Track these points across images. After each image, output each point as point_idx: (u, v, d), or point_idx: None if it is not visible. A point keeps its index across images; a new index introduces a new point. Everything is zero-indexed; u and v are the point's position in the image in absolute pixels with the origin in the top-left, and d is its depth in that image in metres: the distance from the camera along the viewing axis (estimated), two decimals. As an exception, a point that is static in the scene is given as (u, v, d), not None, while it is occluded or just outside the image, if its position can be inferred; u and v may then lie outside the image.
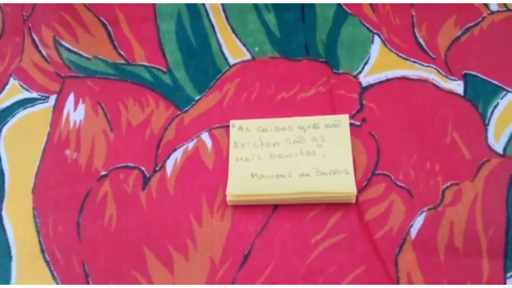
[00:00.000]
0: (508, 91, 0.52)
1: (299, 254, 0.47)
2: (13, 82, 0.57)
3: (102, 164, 0.52)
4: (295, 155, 0.50)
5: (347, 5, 0.58)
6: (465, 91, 0.53)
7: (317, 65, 0.56)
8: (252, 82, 0.55)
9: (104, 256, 0.48)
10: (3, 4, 0.61)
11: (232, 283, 0.46)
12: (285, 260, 0.47)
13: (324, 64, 0.56)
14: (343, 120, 0.51)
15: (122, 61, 0.58)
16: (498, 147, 0.50)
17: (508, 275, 0.45)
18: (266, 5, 0.59)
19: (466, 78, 0.54)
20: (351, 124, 0.52)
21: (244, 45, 0.58)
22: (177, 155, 0.52)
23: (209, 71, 0.57)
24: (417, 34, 0.57)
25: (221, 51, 0.58)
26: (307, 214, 0.48)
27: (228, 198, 0.49)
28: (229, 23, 0.59)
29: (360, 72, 0.55)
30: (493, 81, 0.53)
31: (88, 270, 0.47)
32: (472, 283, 0.45)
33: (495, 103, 0.52)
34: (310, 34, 0.58)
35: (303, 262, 0.46)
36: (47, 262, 0.48)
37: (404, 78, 0.54)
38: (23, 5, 0.61)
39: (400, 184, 0.49)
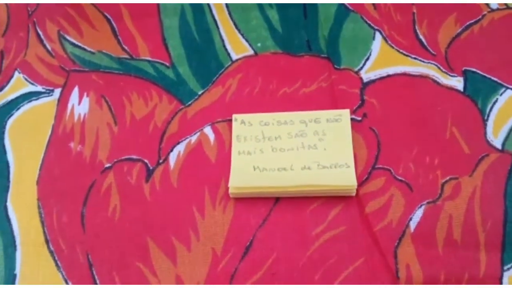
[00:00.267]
0: (507, 88, 0.53)
1: (300, 246, 0.47)
2: (18, 76, 0.58)
3: (106, 156, 0.53)
4: (297, 149, 0.51)
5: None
6: (464, 87, 0.54)
7: (319, 61, 0.57)
8: (255, 77, 0.56)
9: (108, 246, 0.49)
10: (9, -2, 0.62)
11: (234, 274, 0.47)
12: (286, 251, 0.47)
13: (326, 60, 0.56)
14: (344, 114, 0.52)
15: (126, 56, 0.58)
16: (497, 143, 0.50)
17: (505, 267, 0.46)
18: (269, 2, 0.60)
19: (466, 74, 0.54)
20: (352, 119, 0.52)
21: (246, 40, 0.59)
22: (180, 148, 0.53)
23: (212, 66, 0.57)
24: (418, 31, 0.57)
25: (224, 46, 0.58)
26: (308, 206, 0.49)
27: (230, 191, 0.49)
28: (232, 19, 0.60)
29: (362, 68, 0.56)
30: (493, 78, 0.54)
31: (92, 260, 0.48)
32: (469, 275, 0.45)
33: (494, 99, 0.53)
34: (312, 31, 0.58)
35: (303, 254, 0.47)
36: (51, 252, 0.49)
37: (404, 74, 0.55)
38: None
39: (400, 178, 0.49)
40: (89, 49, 0.59)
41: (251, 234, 0.48)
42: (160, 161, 0.52)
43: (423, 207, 0.48)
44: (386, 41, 0.57)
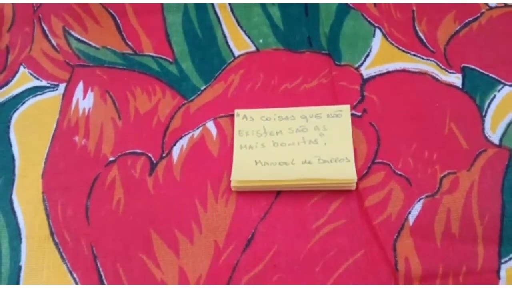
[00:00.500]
0: (505, 84, 0.54)
1: (301, 239, 0.48)
2: (23, 71, 0.59)
3: (110, 150, 0.53)
4: (298, 144, 0.52)
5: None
6: (463, 84, 0.54)
7: (320, 57, 0.57)
8: (256, 73, 0.57)
9: (112, 238, 0.49)
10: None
11: (236, 266, 0.47)
12: (287, 244, 0.48)
13: (327, 56, 0.57)
14: (345, 110, 0.53)
15: (130, 51, 0.59)
16: (495, 138, 0.51)
17: (502, 260, 0.46)
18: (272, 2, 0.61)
19: (464, 71, 0.55)
20: (352, 115, 0.53)
21: (248, 37, 0.59)
22: (183, 142, 0.53)
23: (214, 62, 0.58)
24: (417, 28, 0.58)
25: (226, 42, 0.59)
26: (308, 200, 0.50)
27: (232, 184, 0.50)
28: (234, 16, 0.61)
29: (362, 64, 0.56)
30: (491, 75, 0.55)
31: (96, 252, 0.49)
32: (467, 268, 0.46)
33: (492, 95, 0.53)
34: (313, 27, 0.59)
35: (304, 246, 0.48)
36: (56, 244, 0.50)
37: (404, 71, 0.56)
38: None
39: (399, 172, 0.50)
40: (93, 44, 0.60)
41: (253, 227, 0.49)
42: (164, 155, 0.53)
43: (421, 201, 0.49)
44: (386, 38, 0.58)
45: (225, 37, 0.59)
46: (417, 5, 0.59)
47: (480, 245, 0.47)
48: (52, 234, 0.50)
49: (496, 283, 0.46)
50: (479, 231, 0.47)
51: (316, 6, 0.60)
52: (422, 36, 0.58)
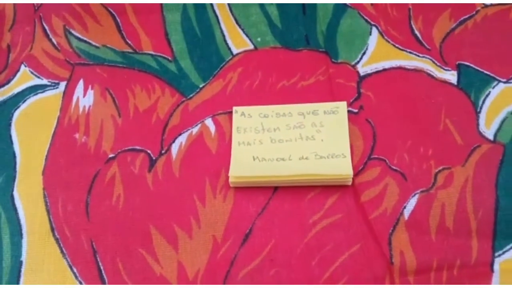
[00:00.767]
0: (499, 81, 0.55)
1: (298, 233, 0.49)
2: (24, 69, 0.60)
3: (110, 147, 0.54)
4: (295, 140, 0.52)
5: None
6: (458, 80, 0.55)
7: (317, 55, 0.58)
8: (255, 71, 0.57)
9: (111, 233, 0.50)
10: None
11: (234, 260, 0.48)
12: (284, 238, 0.49)
13: (324, 54, 0.58)
14: (341, 106, 0.54)
15: (130, 50, 0.60)
16: (489, 134, 0.52)
17: (496, 254, 0.47)
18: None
19: (459, 68, 0.56)
20: (349, 112, 0.54)
21: (247, 35, 0.60)
22: (182, 139, 0.54)
23: (213, 60, 0.59)
24: (413, 26, 0.59)
25: (225, 41, 0.60)
26: (305, 195, 0.50)
27: (230, 180, 0.51)
28: (232, 14, 0.61)
29: (358, 62, 0.57)
30: (485, 72, 0.55)
31: (96, 247, 0.50)
32: (461, 262, 0.47)
33: (487, 92, 0.54)
34: (311, 26, 0.60)
35: (301, 241, 0.48)
36: (56, 240, 0.50)
37: (400, 68, 0.56)
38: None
39: (394, 167, 0.51)
40: (94, 43, 0.60)
41: (251, 222, 0.50)
42: (163, 151, 0.53)
43: (417, 195, 0.49)
44: (383, 36, 0.58)
45: (223, 35, 0.60)
46: (413, 3, 0.60)
47: (474, 239, 0.48)
48: (52, 229, 0.51)
49: (490, 276, 0.46)
50: (473, 225, 0.48)
51: (314, 4, 0.61)
52: (418, 34, 0.58)
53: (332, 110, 0.53)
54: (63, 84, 0.58)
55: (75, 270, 0.49)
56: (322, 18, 0.60)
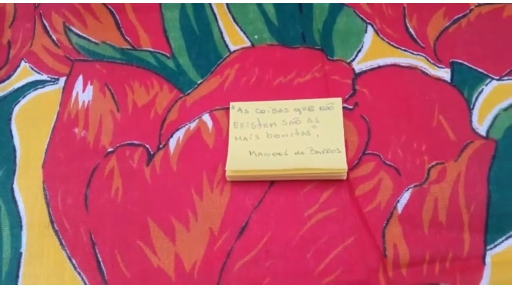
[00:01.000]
0: (492, 79, 0.55)
1: (293, 226, 0.50)
2: (24, 65, 0.60)
3: (109, 141, 0.55)
4: (291, 135, 0.53)
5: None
6: (452, 78, 0.56)
7: (313, 52, 0.59)
8: (251, 68, 0.58)
9: (110, 226, 0.51)
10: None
11: (230, 252, 0.49)
12: (280, 231, 0.50)
13: (320, 52, 0.59)
14: (337, 103, 0.54)
15: (129, 47, 0.61)
16: (482, 130, 0.53)
17: (488, 247, 0.48)
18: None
19: (453, 66, 0.57)
20: (344, 108, 0.55)
21: (244, 33, 0.61)
22: (180, 134, 0.55)
23: (210, 56, 0.60)
24: (408, 24, 0.60)
25: (222, 38, 0.61)
26: (301, 189, 0.51)
27: (227, 174, 0.51)
28: (230, 12, 0.62)
29: (354, 59, 0.58)
30: (479, 69, 0.56)
31: (95, 239, 0.50)
32: (454, 255, 0.48)
33: (480, 89, 0.55)
34: (307, 24, 0.61)
35: (296, 233, 0.49)
36: (55, 232, 0.51)
37: (395, 66, 0.57)
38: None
39: (388, 163, 0.52)
40: (93, 40, 0.61)
41: (247, 215, 0.50)
42: (161, 146, 0.54)
43: (410, 190, 0.50)
44: (378, 34, 0.59)
45: (221, 33, 0.61)
46: (408, 3, 0.61)
47: (466, 232, 0.48)
48: (52, 222, 0.51)
49: (482, 269, 0.47)
50: (466, 219, 0.49)
51: (310, 3, 0.61)
52: (413, 32, 0.59)
53: (327, 106, 0.54)
54: (62, 80, 0.59)
55: (74, 261, 0.50)
56: (318, 16, 0.61)
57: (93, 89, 0.58)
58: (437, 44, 0.58)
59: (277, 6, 0.62)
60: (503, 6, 0.59)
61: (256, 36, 0.60)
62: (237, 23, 0.61)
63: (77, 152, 0.55)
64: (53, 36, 0.62)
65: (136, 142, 0.55)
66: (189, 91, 0.57)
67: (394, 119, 0.54)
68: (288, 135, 0.53)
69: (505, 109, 0.54)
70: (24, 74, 0.60)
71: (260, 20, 0.61)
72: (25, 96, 0.58)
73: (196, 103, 0.57)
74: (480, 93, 0.55)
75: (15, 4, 0.64)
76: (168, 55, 0.60)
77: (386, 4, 0.61)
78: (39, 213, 0.52)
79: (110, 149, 0.54)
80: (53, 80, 0.59)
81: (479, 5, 0.60)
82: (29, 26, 0.63)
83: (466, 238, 0.48)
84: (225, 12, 0.62)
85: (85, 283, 0.49)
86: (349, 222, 0.50)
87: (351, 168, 0.51)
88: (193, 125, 0.55)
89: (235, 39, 0.61)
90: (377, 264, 0.48)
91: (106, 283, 0.48)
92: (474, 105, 0.54)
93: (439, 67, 0.57)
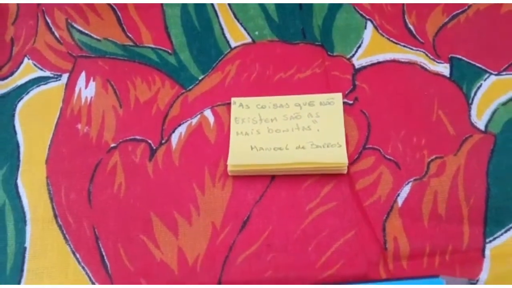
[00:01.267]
0: (491, 74, 0.56)
1: (295, 220, 0.50)
2: (27, 62, 0.61)
3: (112, 137, 0.55)
4: (292, 130, 0.54)
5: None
6: (451, 73, 0.57)
7: (313, 48, 0.59)
8: (252, 64, 0.59)
9: (113, 220, 0.51)
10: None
11: (232, 246, 0.49)
12: (281, 225, 0.50)
13: (320, 48, 0.59)
14: (337, 98, 0.55)
15: (130, 43, 0.61)
16: (480, 124, 0.53)
17: (487, 240, 0.48)
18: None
19: (452, 61, 0.57)
20: (344, 103, 0.55)
21: (245, 29, 0.62)
22: (182, 129, 0.55)
23: (212, 53, 0.60)
24: (407, 20, 0.60)
25: (223, 34, 0.61)
26: (302, 184, 0.52)
27: (229, 169, 0.52)
28: (231, 9, 0.63)
29: (354, 55, 0.59)
30: (477, 64, 0.57)
31: (98, 233, 0.51)
32: (453, 247, 0.48)
33: (478, 84, 0.56)
34: (307, 20, 0.61)
35: (298, 227, 0.50)
36: (59, 226, 0.52)
37: (394, 61, 0.58)
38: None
39: (388, 157, 0.52)
40: (95, 36, 0.62)
41: (249, 209, 0.51)
42: (163, 141, 0.55)
43: (410, 183, 0.51)
44: (377, 30, 0.60)
45: (222, 29, 0.62)
46: (407, -1, 0.62)
47: (465, 225, 0.49)
48: (55, 216, 0.52)
49: (481, 261, 0.48)
50: (465, 212, 0.49)
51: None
52: (412, 28, 0.60)
53: (328, 101, 0.55)
54: (65, 76, 0.59)
55: (78, 255, 0.50)
56: (318, 12, 0.61)
57: (95, 85, 0.58)
58: (436, 40, 0.59)
59: (277, 3, 0.62)
60: (501, 2, 0.60)
61: (256, 32, 0.61)
62: (237, 20, 0.62)
63: (80, 147, 0.55)
64: (56, 33, 0.62)
65: (138, 137, 0.55)
66: (190, 87, 0.58)
67: (393, 114, 0.55)
68: (289, 130, 0.54)
69: (504, 104, 0.54)
70: (27, 70, 0.60)
71: (260, 17, 0.62)
72: (28, 92, 0.59)
73: (198, 99, 0.57)
74: (478, 88, 0.55)
75: (17, 2, 0.64)
76: (169, 51, 0.60)
77: (386, 1, 0.61)
78: (43, 208, 0.53)
79: (112, 145, 0.55)
80: (56, 76, 0.59)
81: (477, 1, 0.60)
82: (32, 23, 0.63)
83: (465, 231, 0.49)
84: (226, 9, 0.63)
85: (89, 277, 0.49)
86: (350, 215, 0.50)
87: (351, 163, 0.52)
88: (194, 120, 0.56)
89: (236, 35, 0.61)
90: (378, 257, 0.48)
91: (109, 276, 0.49)
92: (473, 100, 0.55)
93: (438, 63, 0.57)
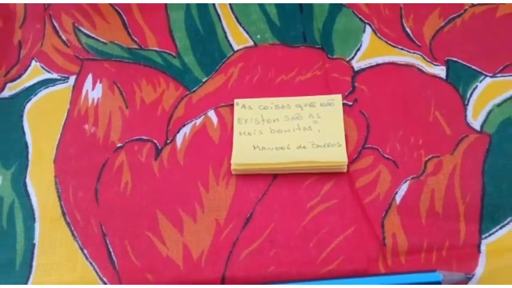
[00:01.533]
0: (486, 75, 0.57)
1: (296, 217, 0.51)
2: (35, 64, 0.62)
3: (118, 137, 0.57)
4: (293, 130, 0.55)
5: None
6: (447, 75, 0.58)
7: (314, 51, 0.61)
8: (254, 66, 0.60)
9: (120, 218, 0.53)
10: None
11: (236, 242, 0.51)
12: (283, 222, 0.51)
13: (320, 50, 0.61)
14: (337, 99, 0.56)
15: (136, 46, 0.63)
16: (476, 125, 0.55)
17: (483, 236, 0.50)
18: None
19: (448, 63, 0.59)
20: (344, 104, 0.57)
21: (247, 33, 0.63)
22: (186, 130, 0.57)
23: (215, 56, 0.62)
24: (404, 24, 0.62)
25: (226, 38, 0.63)
26: (303, 182, 0.53)
27: (232, 167, 0.53)
28: (233, 13, 0.64)
29: (353, 57, 0.60)
30: (473, 67, 0.58)
31: (105, 230, 0.52)
32: (450, 243, 0.49)
33: (474, 86, 0.57)
34: (308, 23, 0.63)
35: (299, 224, 0.51)
36: (67, 224, 0.53)
37: (392, 64, 0.59)
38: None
39: (387, 156, 0.54)
40: (102, 40, 0.63)
41: (251, 207, 0.52)
42: (168, 141, 0.56)
43: (408, 182, 0.52)
44: (376, 33, 0.62)
45: (225, 33, 0.63)
46: (405, 3, 0.63)
47: (462, 222, 0.50)
48: (64, 214, 0.53)
49: (477, 257, 0.49)
50: (461, 210, 0.51)
51: (310, 3, 0.63)
52: (409, 32, 0.61)
53: (328, 103, 0.56)
54: (72, 78, 0.61)
55: (85, 252, 0.51)
56: (318, 16, 0.63)
57: (102, 87, 0.60)
58: (432, 43, 0.60)
59: (278, 7, 0.64)
60: (496, 6, 0.61)
61: (258, 36, 0.63)
62: (240, 24, 0.64)
63: (87, 147, 0.56)
64: (63, 36, 0.64)
65: (144, 137, 0.57)
66: (194, 89, 0.59)
67: (392, 114, 0.56)
68: (290, 130, 0.55)
69: (499, 105, 0.55)
70: (35, 73, 0.62)
71: (262, 21, 0.63)
72: (36, 94, 0.60)
73: (202, 100, 0.59)
74: (474, 89, 0.57)
75: (25, 6, 0.66)
76: (174, 54, 0.62)
77: (384, 5, 0.63)
78: (51, 206, 0.54)
79: (119, 145, 0.56)
80: (63, 78, 0.61)
81: (473, 5, 0.62)
82: (39, 27, 0.65)
83: (462, 228, 0.50)
84: (229, 13, 0.64)
85: (96, 272, 0.51)
86: (350, 213, 0.51)
87: (351, 162, 0.53)
88: (199, 121, 0.57)
89: (238, 39, 0.63)
90: (377, 253, 0.50)
91: (116, 272, 0.50)
92: (468, 101, 0.56)
93: (435, 65, 0.59)
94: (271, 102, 0.57)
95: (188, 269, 0.50)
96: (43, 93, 0.60)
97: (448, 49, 0.60)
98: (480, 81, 0.57)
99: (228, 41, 0.63)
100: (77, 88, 0.60)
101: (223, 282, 0.50)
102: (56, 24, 0.65)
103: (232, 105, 0.58)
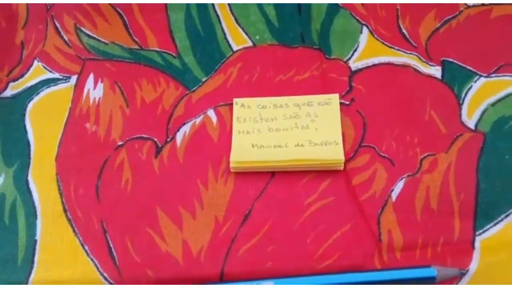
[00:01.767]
0: (481, 76, 0.58)
1: (293, 214, 0.52)
2: (37, 64, 0.63)
3: (119, 135, 0.58)
4: (291, 129, 0.56)
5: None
6: (442, 75, 0.59)
7: (312, 52, 0.62)
8: (253, 66, 0.61)
9: (120, 214, 0.53)
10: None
11: (234, 238, 0.52)
12: (281, 219, 0.52)
13: (318, 51, 0.62)
14: (334, 98, 0.57)
15: (136, 47, 0.64)
16: (471, 124, 0.56)
17: (477, 232, 0.50)
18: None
19: (444, 64, 0.60)
20: (341, 104, 0.58)
21: (246, 33, 0.64)
22: (186, 128, 0.58)
23: (214, 56, 0.62)
24: (401, 25, 0.63)
25: (226, 38, 0.64)
26: (301, 180, 0.54)
27: (231, 165, 0.54)
28: (232, 14, 0.65)
29: (350, 58, 0.61)
30: (468, 67, 0.59)
31: (106, 227, 0.53)
32: (444, 239, 0.50)
33: (469, 86, 0.58)
34: (306, 25, 0.64)
35: (297, 221, 0.52)
36: (69, 220, 0.54)
37: (389, 64, 0.60)
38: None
39: (383, 154, 0.55)
40: (103, 40, 0.64)
41: (250, 204, 0.53)
42: (168, 139, 0.57)
43: (403, 179, 0.53)
44: (372, 34, 0.62)
45: (224, 33, 0.64)
46: (401, 4, 0.64)
47: (456, 219, 0.51)
48: (65, 211, 0.54)
49: (471, 253, 0.50)
50: (456, 207, 0.51)
51: (308, 5, 0.64)
52: (405, 33, 0.62)
53: (325, 102, 0.57)
54: (74, 78, 0.62)
55: (86, 248, 0.52)
56: (316, 17, 0.64)
57: (103, 87, 0.61)
58: (428, 43, 0.61)
59: (277, 8, 0.65)
60: (491, 7, 0.62)
61: (257, 37, 0.63)
62: (239, 25, 0.64)
63: (89, 145, 0.57)
64: (65, 37, 0.65)
65: (144, 135, 0.57)
66: (194, 88, 0.60)
67: (388, 113, 0.57)
68: (288, 129, 0.56)
69: (493, 104, 0.56)
70: (37, 72, 0.63)
71: (261, 22, 0.64)
72: (38, 93, 0.61)
73: (201, 100, 0.59)
74: (469, 89, 0.58)
75: (27, 7, 0.67)
76: (174, 54, 0.63)
77: (380, 6, 0.64)
78: (53, 203, 0.55)
79: (120, 143, 0.57)
80: (65, 78, 0.62)
81: (468, 6, 0.63)
82: (41, 27, 0.66)
83: (456, 224, 0.51)
84: (228, 14, 0.65)
85: (97, 268, 0.51)
86: (346, 210, 0.52)
87: (348, 160, 0.54)
88: (198, 120, 0.58)
89: (237, 39, 0.63)
90: (373, 249, 0.50)
91: (117, 267, 0.51)
92: (463, 100, 0.57)
93: (431, 65, 0.59)
94: (269, 101, 0.58)
95: (188, 265, 0.51)
96: (45, 92, 0.61)
97: (444, 49, 0.61)
98: (475, 81, 0.58)
99: (227, 41, 0.63)
100: (78, 88, 0.61)
101: (221, 277, 0.50)
102: (58, 25, 0.66)
103: (231, 104, 0.59)
